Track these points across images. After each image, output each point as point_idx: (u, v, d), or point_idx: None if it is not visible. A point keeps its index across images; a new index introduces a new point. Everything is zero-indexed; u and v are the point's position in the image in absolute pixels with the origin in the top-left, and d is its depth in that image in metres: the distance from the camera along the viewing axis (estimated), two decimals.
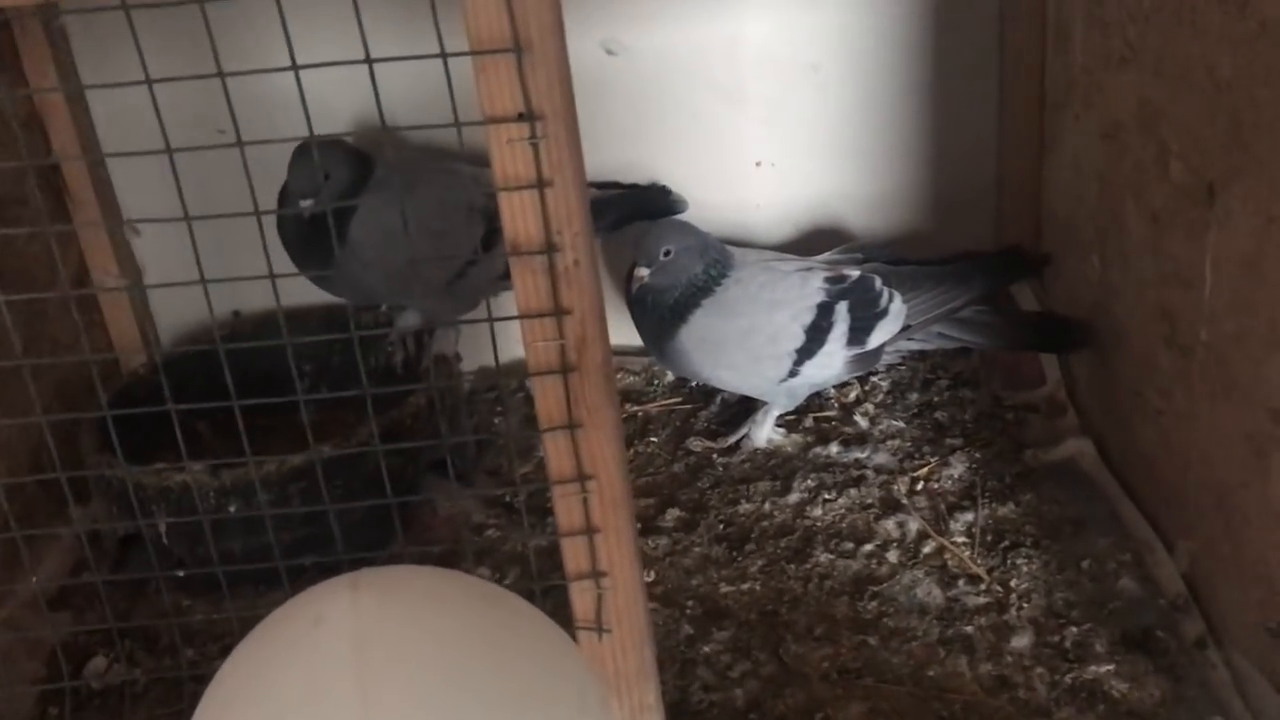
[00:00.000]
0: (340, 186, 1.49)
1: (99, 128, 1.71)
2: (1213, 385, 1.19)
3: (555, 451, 0.79)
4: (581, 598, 0.84)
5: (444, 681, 0.64)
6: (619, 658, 0.85)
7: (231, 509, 1.41)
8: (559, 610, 0.85)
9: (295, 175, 1.47)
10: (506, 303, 1.72)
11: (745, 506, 1.50)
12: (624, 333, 1.64)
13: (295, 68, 0.79)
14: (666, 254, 1.52)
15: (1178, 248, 1.23)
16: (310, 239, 1.50)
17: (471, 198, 1.58)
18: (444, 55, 0.71)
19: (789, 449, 1.60)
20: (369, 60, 0.75)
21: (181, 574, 1.42)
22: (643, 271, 1.53)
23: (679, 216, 1.74)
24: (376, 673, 0.63)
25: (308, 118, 0.85)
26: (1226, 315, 1.15)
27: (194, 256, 1.06)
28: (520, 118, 0.68)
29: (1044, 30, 1.61)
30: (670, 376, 1.78)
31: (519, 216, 0.72)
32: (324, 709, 0.62)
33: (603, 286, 0.76)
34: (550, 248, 0.72)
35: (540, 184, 0.71)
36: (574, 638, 0.84)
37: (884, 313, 1.53)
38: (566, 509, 0.81)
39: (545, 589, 0.94)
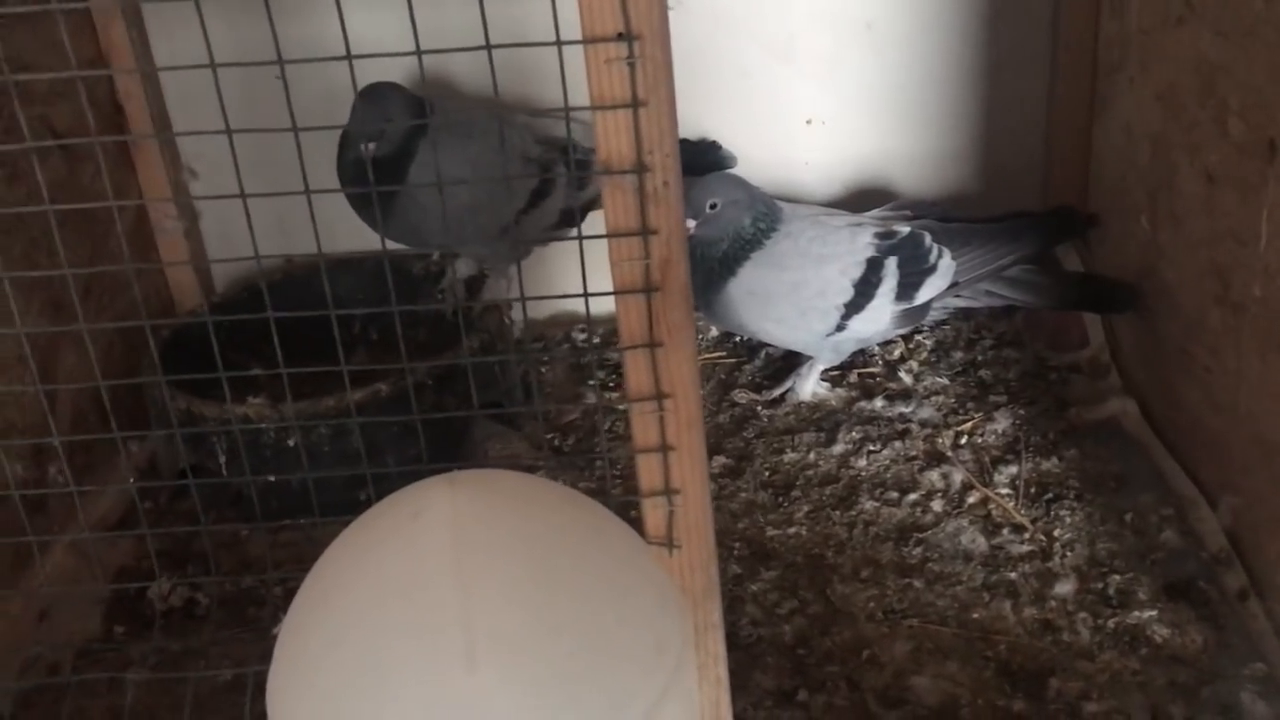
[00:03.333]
0: (401, 131, 1.52)
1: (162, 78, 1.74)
2: (1264, 341, 1.20)
3: (635, 369, 0.81)
4: (654, 513, 0.86)
5: (537, 572, 0.66)
6: (686, 574, 0.88)
7: (291, 442, 1.45)
8: None
9: (358, 118, 1.49)
10: (554, 254, 1.76)
11: (790, 456, 1.52)
12: None
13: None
14: (713, 207, 1.54)
15: (1233, 205, 1.24)
16: (369, 182, 1.53)
17: (526, 146, 1.60)
18: None
19: (833, 403, 1.62)
20: None
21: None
22: (689, 224, 1.55)
23: (728, 171, 1.76)
24: (474, 562, 0.66)
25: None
26: None
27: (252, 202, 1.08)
28: (619, 37, 0.71)
29: None
30: (715, 330, 1.80)
31: (613, 136, 0.74)
32: (424, 595, 0.65)
33: None
34: (641, 168, 0.75)
35: (635, 104, 0.73)
36: None
37: (933, 269, 1.55)
38: (643, 426, 0.83)
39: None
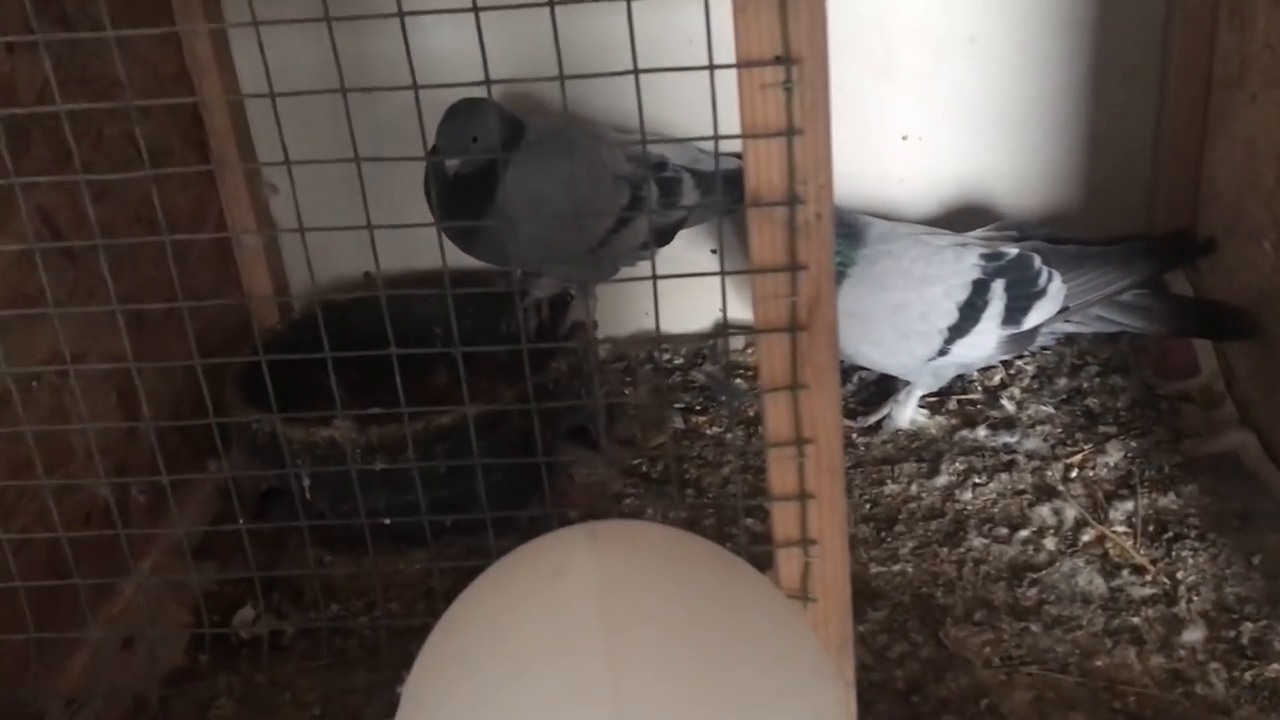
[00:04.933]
0: (490, 148, 1.48)
1: (245, 88, 1.71)
2: None
3: (775, 413, 0.76)
4: (788, 564, 0.81)
5: (690, 640, 0.61)
6: (822, 629, 0.83)
7: (377, 465, 1.41)
8: None
9: (444, 134, 1.46)
10: (629, 273, 1.71)
11: (891, 487, 1.46)
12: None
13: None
14: None
15: None
16: (456, 200, 1.49)
17: (617, 165, 1.56)
18: None
19: (933, 431, 1.56)
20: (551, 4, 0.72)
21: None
22: None
23: None
24: (624, 623, 0.61)
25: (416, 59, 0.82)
26: None
27: (330, 216, 1.05)
28: (777, 61, 0.66)
29: (1216, 5, 1.55)
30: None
31: (763, 166, 0.69)
32: (571, 660, 0.60)
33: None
34: (793, 199, 0.69)
35: (790, 132, 0.68)
36: None
37: (1042, 293, 1.48)
38: (781, 473, 0.78)
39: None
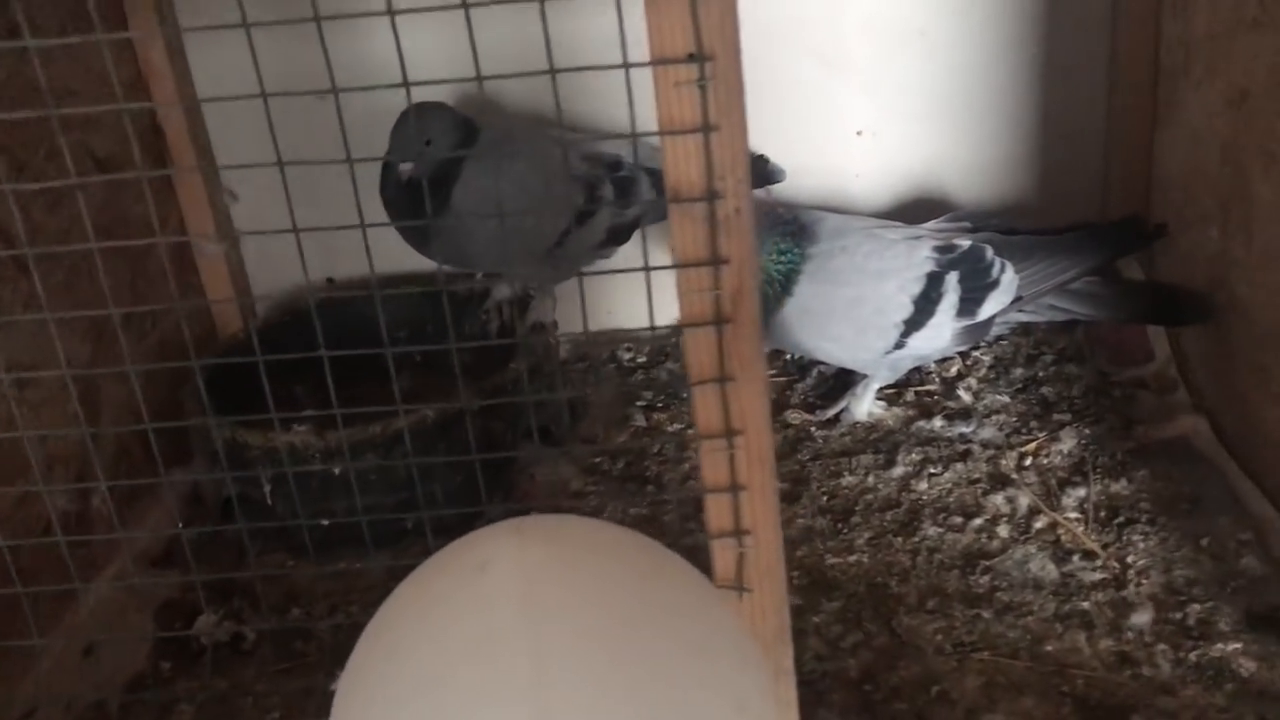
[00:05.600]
0: (443, 152, 1.49)
1: (200, 92, 1.72)
2: None
3: (704, 406, 0.77)
4: (723, 555, 0.82)
5: (612, 627, 0.62)
6: (758, 619, 0.84)
7: (336, 471, 1.42)
8: None
9: (396, 138, 1.46)
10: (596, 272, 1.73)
11: (848, 479, 1.48)
12: None
13: (391, 12, 0.77)
14: None
15: None
16: (411, 203, 1.50)
17: (572, 165, 1.57)
18: None
19: (890, 423, 1.57)
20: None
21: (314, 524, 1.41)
22: None
23: (774, 186, 1.72)
24: (546, 617, 0.62)
25: (403, 66, 0.83)
26: None
27: (287, 221, 1.05)
28: (690, 58, 0.67)
29: None
30: (764, 349, 1.75)
31: (682, 162, 0.70)
32: (495, 652, 0.61)
33: None
34: (712, 194, 0.71)
35: (706, 128, 0.69)
36: None
37: (995, 283, 1.50)
38: (712, 465, 0.79)
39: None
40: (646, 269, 0.79)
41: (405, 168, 1.46)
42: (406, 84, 0.87)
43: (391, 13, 0.79)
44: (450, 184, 1.49)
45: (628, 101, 0.73)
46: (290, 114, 1.07)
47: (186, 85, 1.69)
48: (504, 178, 1.49)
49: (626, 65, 0.71)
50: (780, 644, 0.85)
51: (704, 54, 0.66)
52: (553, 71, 0.77)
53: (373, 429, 1.41)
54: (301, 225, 1.03)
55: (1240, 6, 1.33)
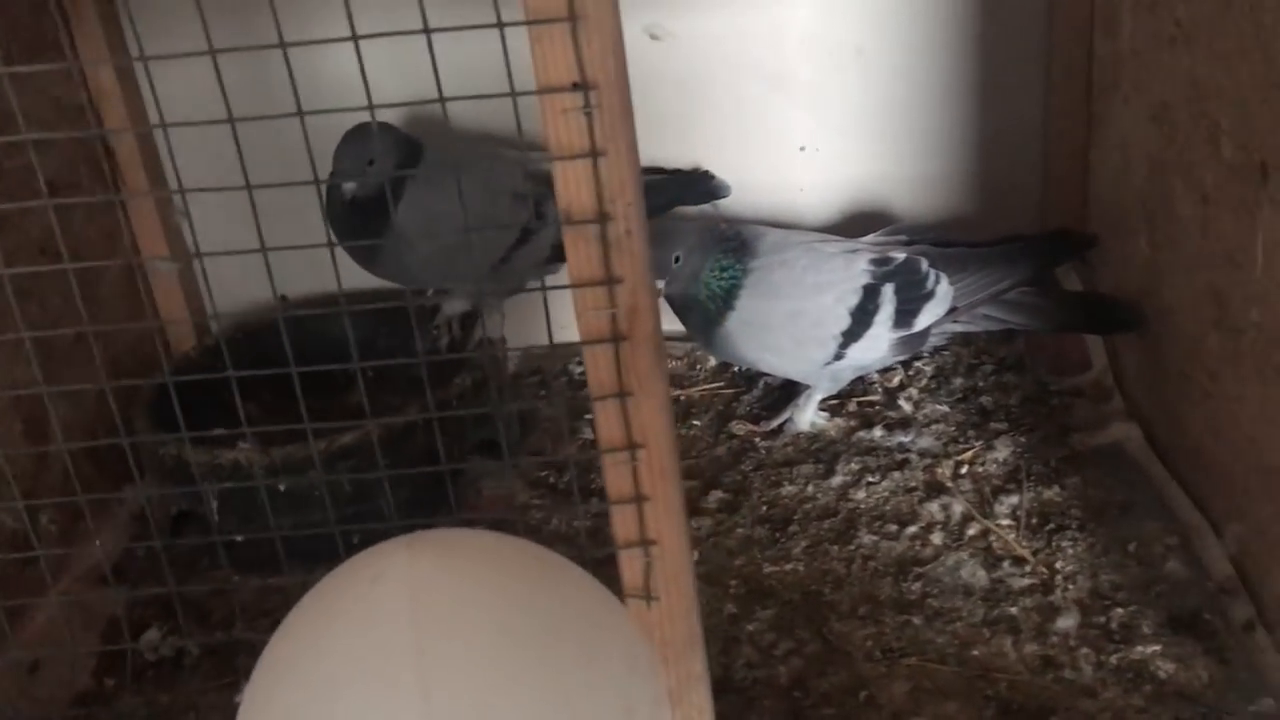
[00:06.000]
0: (387, 170, 1.51)
1: (150, 114, 1.74)
2: (1263, 366, 1.18)
3: (605, 420, 0.79)
4: (630, 566, 0.84)
5: (499, 637, 0.65)
6: (666, 626, 0.86)
7: (281, 486, 1.44)
8: (607, 585, 0.86)
9: (340, 158, 1.49)
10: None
11: (788, 489, 1.50)
12: (667, 318, 1.66)
13: (355, 38, 0.80)
14: (677, 260, 1.52)
15: (1228, 228, 1.22)
16: (355, 222, 1.52)
17: (516, 183, 1.59)
18: (500, 25, 0.72)
19: (832, 433, 1.60)
20: (426, 31, 0.76)
21: (239, 539, 1.43)
22: (658, 285, 1.52)
23: (719, 202, 1.75)
24: (433, 628, 0.64)
25: (367, 89, 0.85)
26: (1278, 295, 1.14)
27: (241, 239, 1.07)
28: (574, 87, 0.69)
29: (1092, 12, 1.60)
30: (713, 361, 1.78)
31: (572, 186, 0.73)
32: (382, 663, 0.63)
33: None
34: (603, 217, 0.73)
35: (594, 154, 0.71)
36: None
37: (930, 295, 1.53)
38: (616, 477, 0.81)
39: (594, 560, 0.94)
40: (544, 289, 0.81)
41: (348, 187, 1.49)
42: (371, 107, 0.88)
43: (355, 38, 0.80)
44: (394, 202, 1.51)
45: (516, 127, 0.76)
46: (241, 131, 1.09)
47: (137, 108, 1.70)
48: (446, 196, 1.51)
49: (514, 94, 0.73)
50: (691, 650, 0.87)
51: (587, 83, 0.69)
52: (514, 95, 0.78)
53: (316, 445, 1.43)
54: (249, 243, 1.06)
55: (1160, 24, 1.37)
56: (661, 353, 0.79)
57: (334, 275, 1.64)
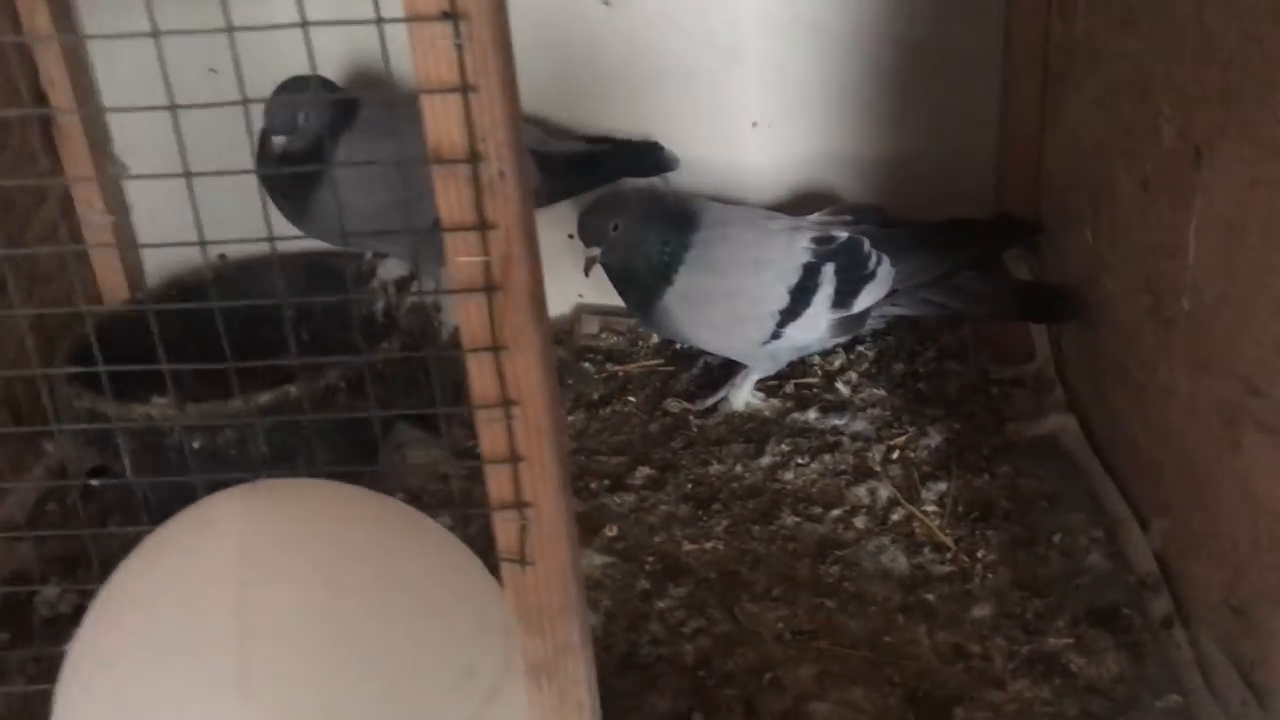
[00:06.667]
0: (320, 126, 1.47)
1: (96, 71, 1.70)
2: (1192, 356, 1.15)
3: (479, 375, 0.76)
4: (504, 528, 0.81)
5: (328, 593, 0.62)
6: (542, 593, 0.83)
7: (195, 444, 1.40)
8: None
9: (271, 112, 1.45)
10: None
11: (716, 468, 1.47)
12: (608, 291, 1.63)
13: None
14: (616, 229, 1.49)
15: (1165, 213, 1.19)
16: (286, 178, 1.49)
17: None
18: None
19: (766, 413, 1.57)
20: None
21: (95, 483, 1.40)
22: (593, 253, 1.50)
23: (669, 175, 1.72)
24: (258, 581, 0.61)
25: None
26: (1207, 284, 1.11)
27: (183, 195, 1.03)
28: (444, 16, 0.66)
29: (1049, 2, 1.57)
30: (655, 339, 1.75)
31: (442, 121, 0.69)
32: (201, 616, 0.60)
33: None
34: (474, 157, 0.70)
35: (464, 88, 0.68)
36: (498, 570, 0.82)
37: (871, 275, 1.50)
38: (490, 436, 0.78)
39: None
40: (412, 231, 0.78)
41: (279, 140, 1.45)
42: (305, 24, 0.83)
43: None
44: (326, 159, 1.47)
45: (384, 59, 0.72)
46: (184, 83, 1.05)
47: (73, 51, 1.66)
48: (380, 154, 1.48)
49: (380, 21, 0.70)
50: (566, 619, 0.84)
51: (458, 13, 0.65)
52: (379, 21, 0.73)
53: (233, 404, 1.40)
54: (187, 199, 1.02)
55: (1112, 8, 1.34)
56: (541, 306, 0.76)
57: (280, 234, 1.61)
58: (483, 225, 0.71)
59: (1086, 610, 1.20)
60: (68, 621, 1.29)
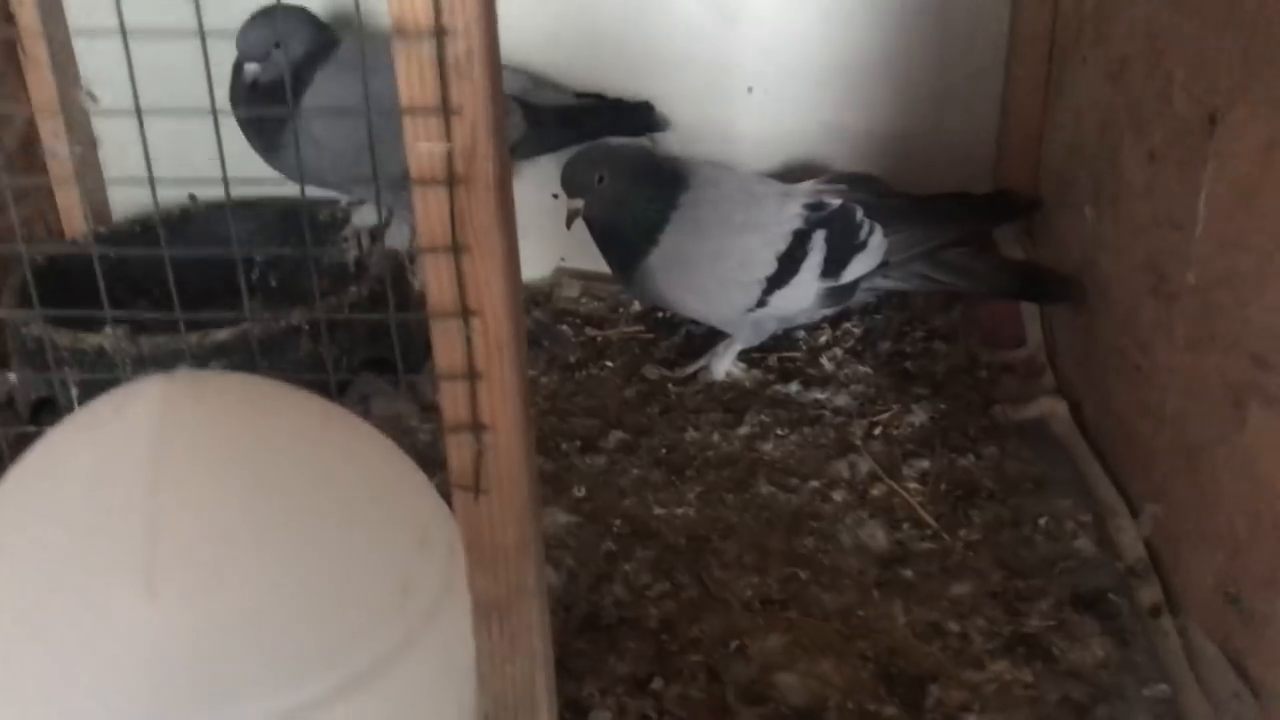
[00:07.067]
0: (295, 56, 1.41)
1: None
2: (1195, 333, 1.10)
3: (436, 279, 0.70)
4: (459, 452, 0.75)
5: (250, 492, 0.55)
6: (497, 527, 0.77)
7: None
8: None
9: (245, 38, 1.39)
10: None
11: (692, 434, 1.41)
12: (591, 257, 1.57)
13: None
14: (600, 180, 1.43)
15: (1173, 185, 1.14)
16: (259, 109, 1.42)
17: None
18: None
19: (747, 384, 1.51)
20: None
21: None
22: (576, 203, 1.44)
23: (657, 136, 1.66)
24: (173, 470, 0.54)
25: None
26: (1216, 255, 1.06)
27: (154, 132, 0.97)
28: None
29: None
30: (636, 306, 1.69)
31: None
32: (107, 502, 0.54)
33: None
34: (439, 30, 0.63)
35: None
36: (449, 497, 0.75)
37: (862, 245, 1.44)
38: (446, 348, 0.72)
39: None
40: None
41: (251, 69, 1.39)
42: None
43: None
44: (300, 91, 1.41)
45: None
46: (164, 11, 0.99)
47: None
48: (354, 92, 1.41)
49: None
50: (522, 557, 0.78)
51: None
52: None
53: (190, 338, 1.33)
54: (160, 137, 0.96)
55: None
56: (508, 206, 0.70)
57: (249, 180, 1.54)
58: (446, 110, 0.65)
59: (1071, 595, 1.15)
60: None
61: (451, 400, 0.74)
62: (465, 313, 0.71)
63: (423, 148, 0.66)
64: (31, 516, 0.56)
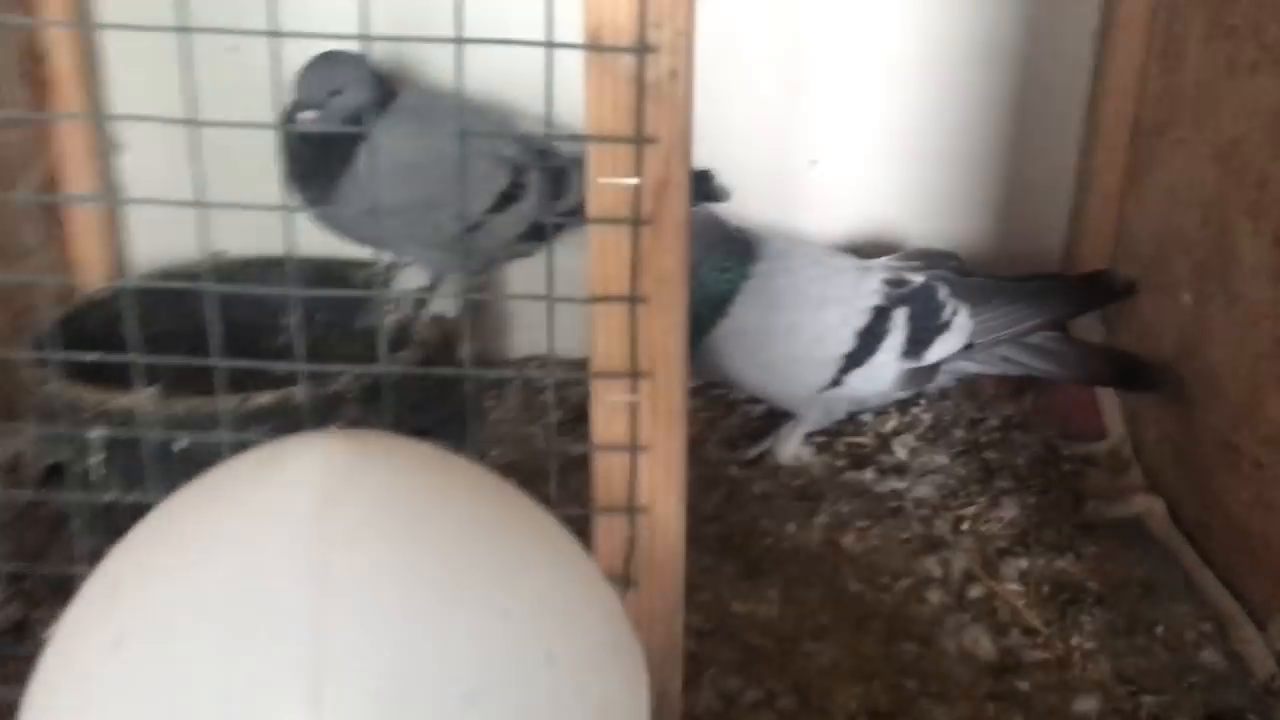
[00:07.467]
0: (353, 106, 1.32)
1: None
2: None
3: (605, 332, 0.60)
4: (609, 537, 0.64)
5: (427, 575, 0.45)
6: (644, 626, 0.66)
7: (176, 448, 1.22)
8: None
9: (302, 84, 1.30)
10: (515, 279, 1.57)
11: (765, 524, 1.30)
12: None
13: None
14: None
15: None
16: (310, 161, 1.33)
17: (497, 145, 1.41)
18: None
19: (815, 470, 1.41)
20: None
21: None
22: None
23: (717, 206, 1.58)
24: (340, 531, 0.44)
25: None
26: None
27: (181, 179, 0.88)
28: None
29: (1149, 48, 1.46)
30: (693, 381, 1.59)
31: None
32: (266, 597, 0.43)
33: None
34: (643, 46, 0.54)
35: None
36: None
37: (946, 325, 1.35)
38: (606, 416, 0.62)
39: None
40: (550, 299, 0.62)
41: (307, 115, 1.29)
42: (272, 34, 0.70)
43: None
44: (356, 144, 1.32)
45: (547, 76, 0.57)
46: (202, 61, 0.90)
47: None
48: (418, 145, 1.33)
49: None
50: (668, 662, 0.67)
51: None
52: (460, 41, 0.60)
53: (228, 402, 1.22)
54: (188, 183, 0.87)
55: (1238, 50, 1.23)
56: (689, 250, 0.60)
57: (282, 237, 1.44)
58: (641, 138, 0.56)
59: (1205, 714, 1.04)
60: (11, 638, 1.09)
61: (606, 476, 0.63)
62: (635, 373, 0.61)
63: (604, 183, 0.57)
64: (182, 600, 0.45)
